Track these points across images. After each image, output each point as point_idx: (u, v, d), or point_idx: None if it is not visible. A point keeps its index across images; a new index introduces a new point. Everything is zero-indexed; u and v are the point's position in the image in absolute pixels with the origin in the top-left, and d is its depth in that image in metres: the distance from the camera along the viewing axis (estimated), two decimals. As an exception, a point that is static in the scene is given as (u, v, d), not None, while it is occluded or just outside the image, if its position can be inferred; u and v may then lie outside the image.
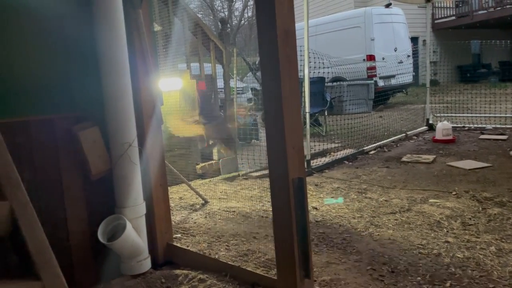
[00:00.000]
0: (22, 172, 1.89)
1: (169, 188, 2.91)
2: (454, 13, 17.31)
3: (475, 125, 7.47)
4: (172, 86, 4.90)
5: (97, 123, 2.43)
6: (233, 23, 28.26)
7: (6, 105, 2.13)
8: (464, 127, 7.51)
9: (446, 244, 2.79)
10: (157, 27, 4.86)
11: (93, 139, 2.39)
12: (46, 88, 2.29)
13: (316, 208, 3.68)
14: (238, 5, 29.92)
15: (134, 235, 2.42)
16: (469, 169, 4.69)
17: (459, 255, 2.61)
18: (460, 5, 17.04)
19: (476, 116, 7.82)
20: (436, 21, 17.50)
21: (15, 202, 1.33)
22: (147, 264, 2.53)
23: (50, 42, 2.30)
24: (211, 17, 29.22)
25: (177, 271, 2.49)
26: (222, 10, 30.39)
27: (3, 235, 1.34)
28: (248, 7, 28.95)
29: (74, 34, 2.37)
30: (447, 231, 3.01)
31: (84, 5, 2.36)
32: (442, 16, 17.65)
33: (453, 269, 2.43)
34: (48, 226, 1.82)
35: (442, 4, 17.10)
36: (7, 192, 1.34)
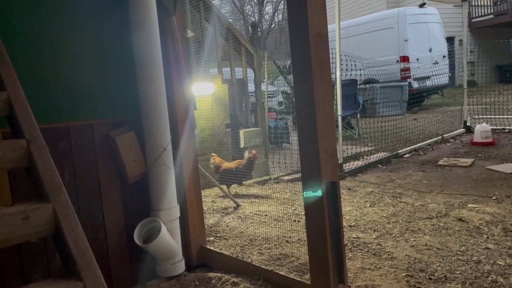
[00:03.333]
0: (62, 175, 1.97)
1: (201, 191, 2.94)
2: (492, 11, 16.68)
3: (516, 127, 7.17)
4: (204, 91, 4.97)
5: (133, 127, 2.50)
6: (264, 27, 28.37)
7: (49, 111, 2.22)
8: (504, 129, 7.22)
9: (486, 250, 2.69)
10: (189, 33, 4.95)
11: (129, 144, 2.45)
12: (86, 94, 2.37)
13: (349, 213, 3.63)
14: (268, 9, 30.05)
15: (169, 237, 2.46)
16: (510, 173, 4.50)
17: (500, 262, 2.51)
18: (498, 3, 16.41)
19: (517, 118, 7.50)
20: (473, 20, 16.93)
21: (57, 205, 1.38)
22: (181, 267, 2.57)
23: (90, 51, 2.39)
24: (242, 21, 29.45)
25: (211, 274, 2.52)
26: (252, 15, 30.59)
27: (46, 236, 1.40)
28: (278, 11, 29.02)
29: (112, 42, 2.45)
30: (487, 237, 2.89)
31: (121, 15, 2.44)
32: (479, 14, 17.05)
33: (494, 277, 2.34)
34: (87, 228, 1.89)
35: (479, 2, 16.52)
36: (50, 195, 1.39)
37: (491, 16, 16.65)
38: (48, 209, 1.37)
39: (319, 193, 1.83)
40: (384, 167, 5.43)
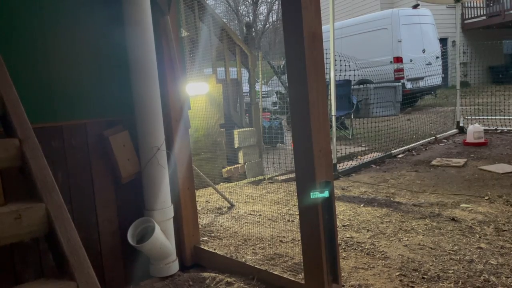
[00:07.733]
0: (55, 175, 1.95)
1: (196, 191, 2.94)
2: (484, 13, 16.83)
3: (508, 128, 7.23)
4: (199, 91, 4.95)
5: (127, 127, 2.48)
6: (258, 28, 28.36)
7: (42, 110, 2.21)
8: (496, 129, 7.28)
9: (478, 250, 2.71)
10: (184, 33, 4.94)
11: (123, 143, 2.44)
12: (80, 94, 2.36)
13: (343, 212, 3.64)
14: (263, 9, 30.07)
15: (163, 237, 2.45)
16: (503, 173, 4.54)
17: (492, 262, 2.53)
18: (491, 4, 16.55)
19: (509, 118, 7.56)
20: (466, 21, 17.07)
21: (50, 204, 1.37)
22: (175, 267, 2.56)
23: (84, 50, 2.38)
24: (236, 21, 29.44)
25: (205, 274, 2.51)
26: (247, 15, 30.58)
27: (39, 236, 1.39)
28: (273, 11, 29.05)
29: (105, 41, 2.44)
30: (480, 237, 2.92)
31: (114, 14, 2.43)
32: (472, 16, 17.20)
33: (487, 276, 2.36)
34: (80, 228, 1.87)
35: (472, 4, 16.66)
36: (43, 195, 1.38)
37: (484, 17, 16.80)
38: (41, 209, 1.36)
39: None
40: (377, 167, 5.45)
